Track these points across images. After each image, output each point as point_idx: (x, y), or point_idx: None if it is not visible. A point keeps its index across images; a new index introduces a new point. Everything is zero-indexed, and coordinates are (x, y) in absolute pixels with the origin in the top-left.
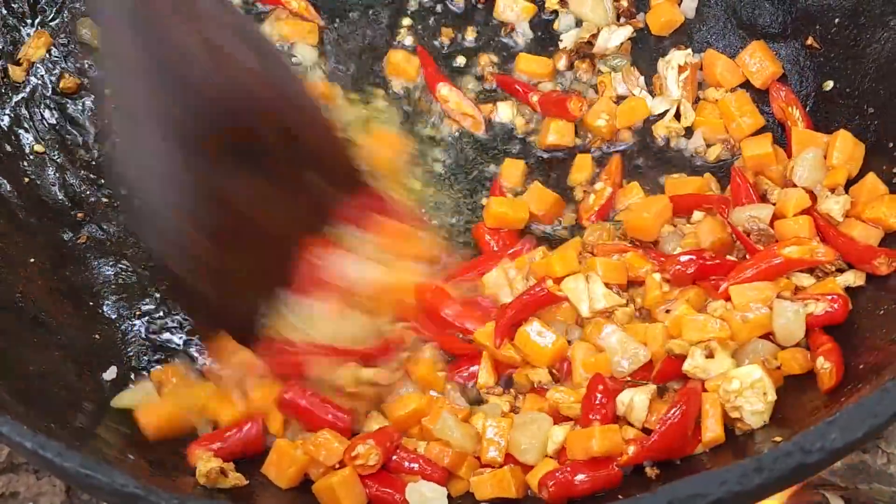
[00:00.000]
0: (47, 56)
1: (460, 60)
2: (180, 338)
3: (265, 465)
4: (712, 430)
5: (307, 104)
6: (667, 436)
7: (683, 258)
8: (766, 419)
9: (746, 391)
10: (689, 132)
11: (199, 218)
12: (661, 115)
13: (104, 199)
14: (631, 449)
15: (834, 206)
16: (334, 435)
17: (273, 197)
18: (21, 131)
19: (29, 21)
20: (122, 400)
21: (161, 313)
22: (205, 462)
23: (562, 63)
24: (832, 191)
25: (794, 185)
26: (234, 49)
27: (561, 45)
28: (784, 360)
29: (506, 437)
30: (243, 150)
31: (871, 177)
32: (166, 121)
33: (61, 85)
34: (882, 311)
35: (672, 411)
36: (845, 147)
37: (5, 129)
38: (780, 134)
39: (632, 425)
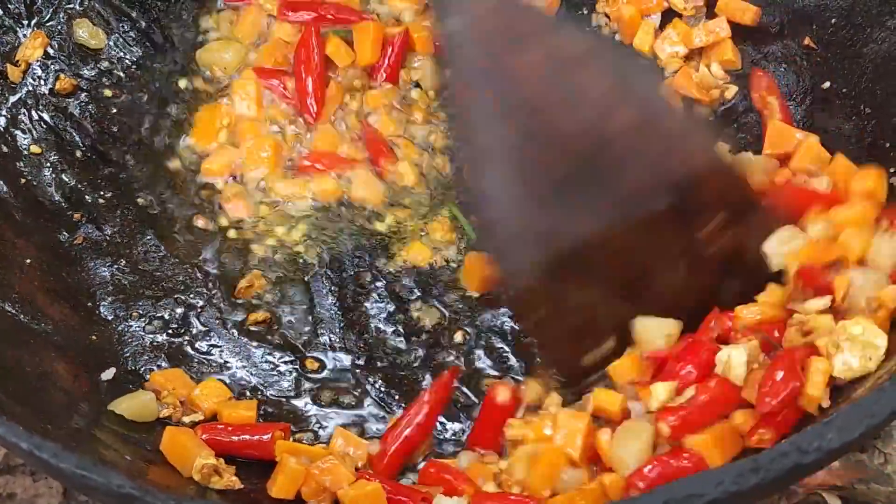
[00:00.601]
0: (43, 57)
1: None
2: (178, 339)
3: (270, 480)
4: (813, 393)
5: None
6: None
7: None
8: (849, 377)
9: (858, 345)
10: None
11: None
12: None
13: (101, 201)
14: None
15: (819, 186)
16: (342, 461)
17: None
18: (17, 132)
19: (25, 22)
20: (119, 405)
21: (158, 314)
22: (202, 458)
23: None
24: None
25: None
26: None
27: None
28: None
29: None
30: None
31: (840, 157)
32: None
33: (57, 86)
34: None
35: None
36: (808, 154)
37: (2, 129)
38: (756, 120)
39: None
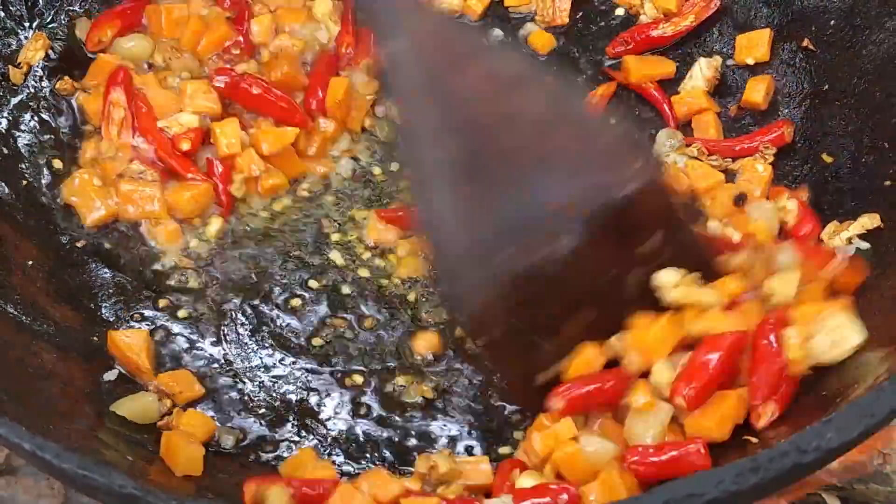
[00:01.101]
0: (45, 59)
1: None
2: (181, 342)
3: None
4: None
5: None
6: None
7: None
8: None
9: (831, 334)
10: None
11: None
12: None
13: None
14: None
15: None
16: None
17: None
18: (19, 134)
19: (27, 24)
20: (121, 407)
21: (159, 316)
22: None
23: None
24: None
25: None
26: None
27: None
28: None
29: None
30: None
31: None
32: None
33: (57, 86)
34: (876, 313)
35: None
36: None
37: (3, 131)
38: None
39: None
